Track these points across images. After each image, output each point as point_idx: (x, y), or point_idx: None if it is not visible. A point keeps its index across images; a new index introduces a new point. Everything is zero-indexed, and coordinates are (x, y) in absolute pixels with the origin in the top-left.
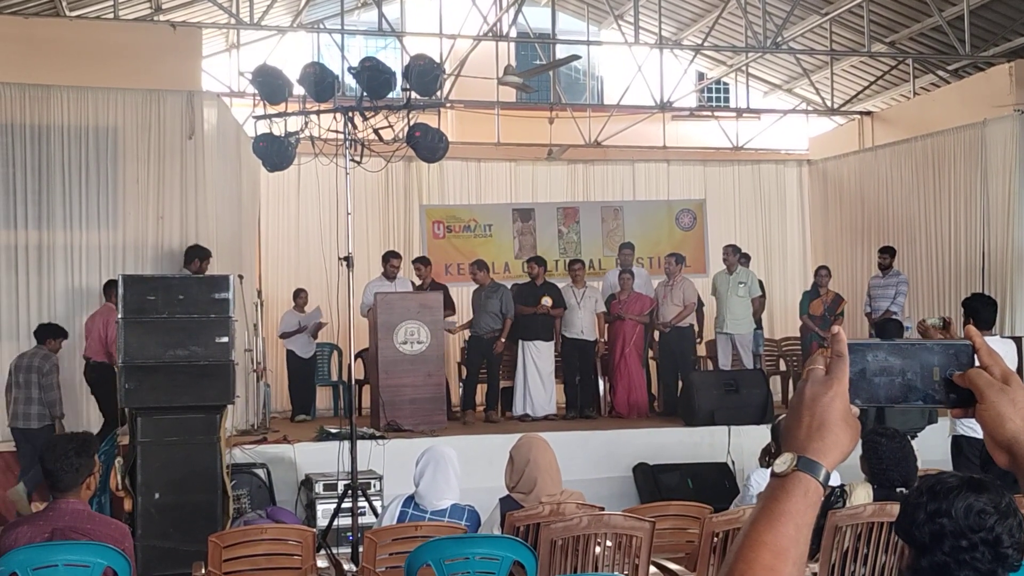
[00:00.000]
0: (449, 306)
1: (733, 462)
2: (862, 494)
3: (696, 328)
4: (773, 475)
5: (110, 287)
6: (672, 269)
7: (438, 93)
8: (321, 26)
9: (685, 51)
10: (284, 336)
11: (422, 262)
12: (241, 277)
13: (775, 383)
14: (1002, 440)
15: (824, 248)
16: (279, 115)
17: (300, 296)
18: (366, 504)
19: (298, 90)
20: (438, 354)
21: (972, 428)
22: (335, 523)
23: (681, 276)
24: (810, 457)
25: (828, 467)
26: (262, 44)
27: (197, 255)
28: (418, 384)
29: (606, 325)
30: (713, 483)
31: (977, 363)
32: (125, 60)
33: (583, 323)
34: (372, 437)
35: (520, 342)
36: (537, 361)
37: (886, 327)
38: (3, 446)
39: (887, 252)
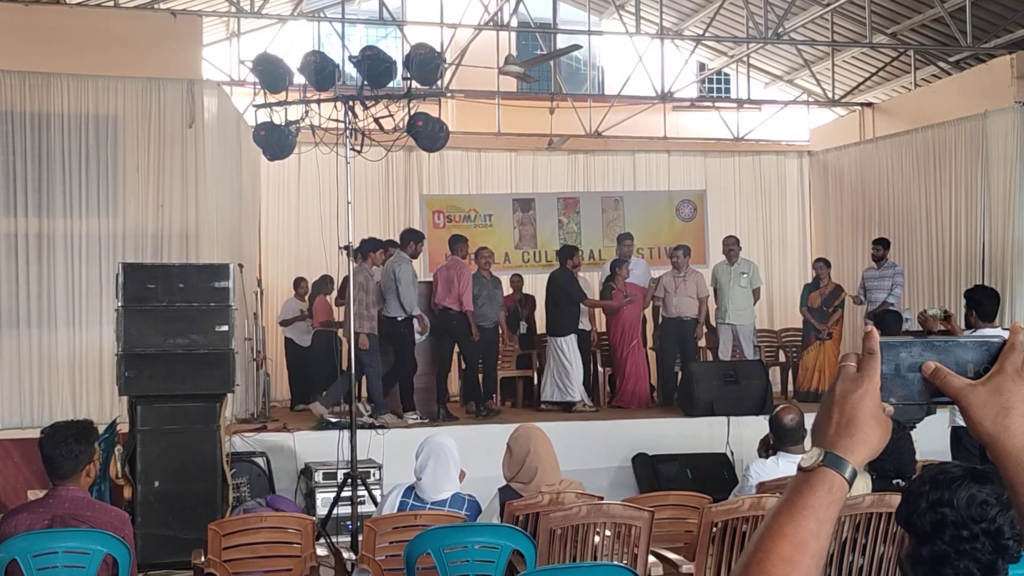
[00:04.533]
0: None
1: (732, 453)
2: (860, 484)
3: (709, 319)
4: (799, 469)
5: (456, 241)
6: (680, 261)
7: (439, 82)
8: (322, 15)
9: (686, 41)
10: (284, 323)
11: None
12: (241, 266)
13: (774, 374)
14: (981, 440)
15: (824, 239)
16: (279, 104)
17: (300, 285)
18: (365, 493)
19: (299, 79)
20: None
21: None
22: (335, 512)
23: (690, 268)
24: (837, 453)
25: (855, 464)
26: (263, 32)
27: (412, 238)
28: (418, 373)
29: (605, 316)
30: (712, 473)
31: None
32: (125, 48)
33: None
34: (371, 427)
35: (551, 338)
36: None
37: (885, 318)
38: (3, 434)
39: (881, 244)
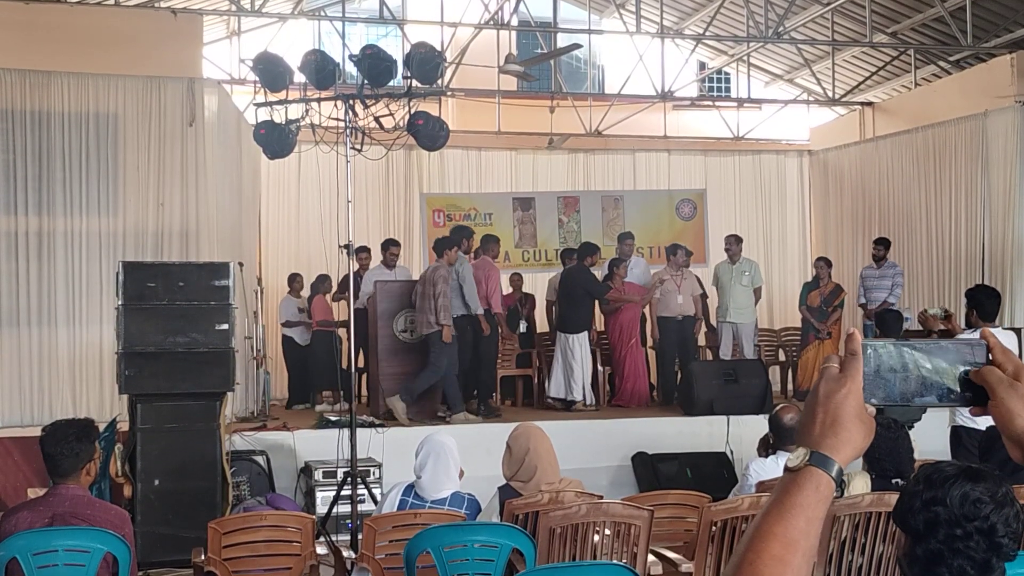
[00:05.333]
0: None
1: (732, 452)
2: (860, 484)
3: (703, 318)
4: (786, 469)
5: (487, 241)
6: (682, 262)
7: (439, 81)
8: (322, 13)
9: (686, 40)
10: (287, 325)
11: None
12: (241, 264)
13: (774, 373)
14: (1013, 436)
15: (824, 238)
16: (280, 102)
17: (296, 281)
18: (365, 492)
19: (299, 77)
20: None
21: (971, 418)
22: (334, 510)
23: (687, 269)
24: (823, 452)
25: (841, 463)
26: (263, 31)
27: (464, 235)
28: (418, 372)
29: (603, 315)
30: (711, 472)
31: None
32: (126, 46)
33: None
34: (371, 425)
35: (561, 334)
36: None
37: (885, 318)
38: (3, 432)
39: (882, 244)
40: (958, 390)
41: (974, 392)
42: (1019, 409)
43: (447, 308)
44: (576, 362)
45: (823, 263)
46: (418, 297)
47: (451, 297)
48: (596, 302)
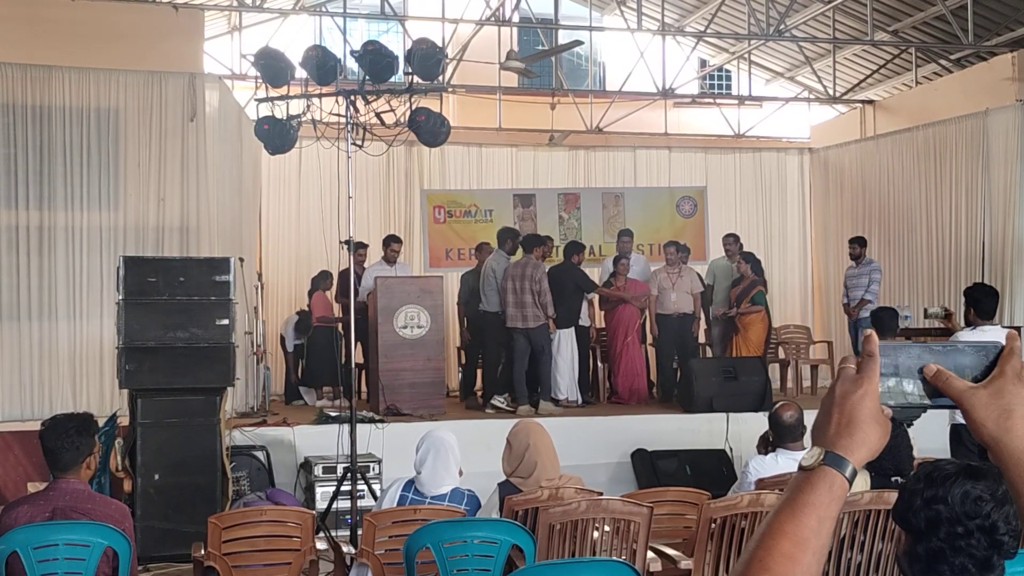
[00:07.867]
0: None
1: (731, 449)
2: (859, 482)
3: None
4: (800, 468)
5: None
6: (674, 258)
7: (440, 77)
8: (323, 9)
9: (687, 38)
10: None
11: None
12: (242, 260)
13: (773, 371)
14: (983, 442)
15: (824, 236)
16: (281, 98)
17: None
18: (365, 487)
19: (300, 73)
20: (438, 339)
21: None
22: (334, 506)
23: (687, 266)
24: (838, 453)
25: (855, 463)
26: (264, 26)
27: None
28: (418, 368)
29: (603, 312)
30: (711, 470)
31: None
32: (127, 41)
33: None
34: (371, 421)
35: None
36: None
37: (880, 316)
38: (3, 426)
39: (857, 242)
40: None
41: None
42: (981, 417)
43: (547, 305)
44: (561, 358)
45: (741, 258)
46: (508, 292)
47: (485, 294)
48: (586, 300)
